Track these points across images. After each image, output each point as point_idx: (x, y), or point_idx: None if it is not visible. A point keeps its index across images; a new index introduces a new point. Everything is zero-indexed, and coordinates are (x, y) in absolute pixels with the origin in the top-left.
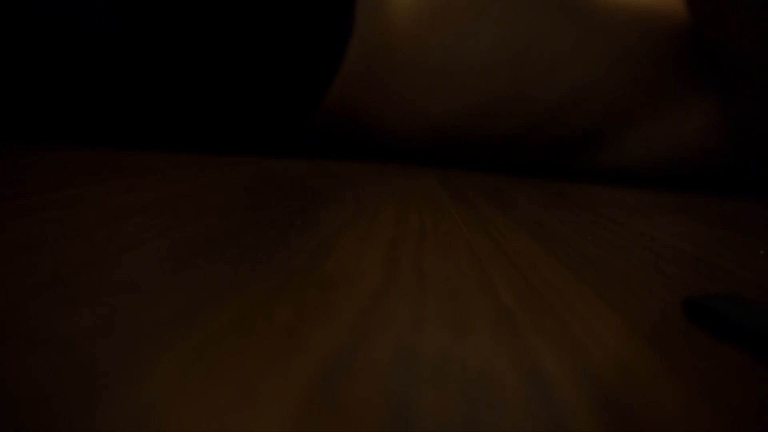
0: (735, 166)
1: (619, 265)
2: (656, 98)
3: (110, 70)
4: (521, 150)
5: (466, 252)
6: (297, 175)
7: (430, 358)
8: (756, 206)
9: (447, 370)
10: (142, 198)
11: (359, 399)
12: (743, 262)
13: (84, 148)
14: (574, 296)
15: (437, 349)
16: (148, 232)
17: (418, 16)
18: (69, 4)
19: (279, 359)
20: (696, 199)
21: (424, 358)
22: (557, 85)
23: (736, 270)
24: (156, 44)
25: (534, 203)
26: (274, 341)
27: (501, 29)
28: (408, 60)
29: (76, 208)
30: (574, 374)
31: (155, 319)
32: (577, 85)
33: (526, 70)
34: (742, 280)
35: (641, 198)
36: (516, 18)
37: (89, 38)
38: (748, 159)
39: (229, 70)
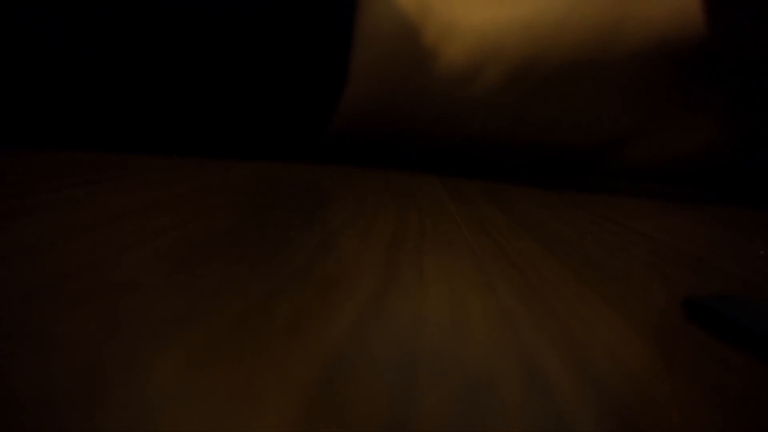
0: (739, 177)
1: (619, 265)
2: (659, 113)
3: (111, 74)
4: (526, 166)
5: (466, 252)
6: (297, 175)
7: (430, 358)
8: (756, 207)
9: (447, 370)
10: (142, 198)
11: (359, 399)
12: (743, 262)
13: (84, 149)
14: (574, 296)
15: (437, 349)
16: (148, 232)
17: (413, 62)
18: (70, 4)
19: (279, 359)
20: (696, 200)
21: (424, 358)
22: (567, 125)
23: (736, 270)
24: (157, 46)
25: (534, 203)
26: (274, 341)
27: (509, 72)
28: (410, 99)
29: (76, 208)
30: (574, 374)
31: (155, 319)
32: (590, 119)
33: (536, 112)
34: (742, 280)
35: (641, 198)
36: (524, 61)
37: (92, 39)
38: (754, 171)
39: (233, 78)
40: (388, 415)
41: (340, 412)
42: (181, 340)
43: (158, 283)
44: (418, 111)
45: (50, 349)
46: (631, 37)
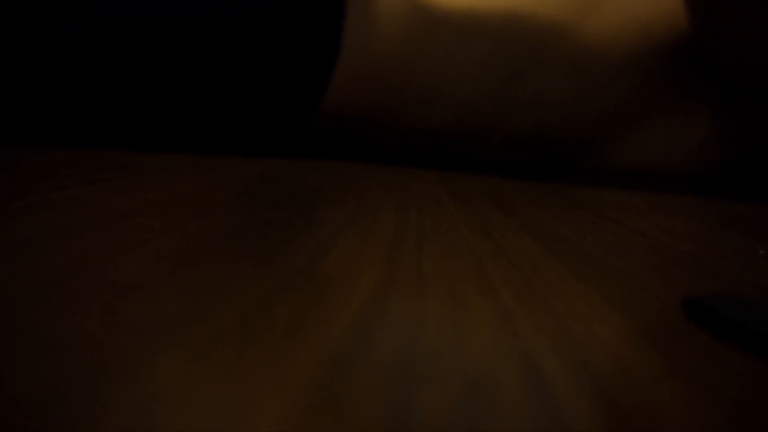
0: (733, 173)
1: (619, 265)
2: (652, 110)
3: (110, 72)
4: (514, 157)
5: (466, 252)
6: (297, 175)
7: (429, 358)
8: (755, 207)
9: (447, 370)
10: (142, 198)
11: (359, 399)
12: (743, 262)
13: (84, 148)
14: (574, 296)
15: (437, 349)
16: (148, 232)
17: (405, 34)
18: (68, 5)
19: (279, 359)
20: (696, 199)
21: (424, 358)
22: (548, 106)
23: (736, 270)
24: (156, 46)
25: (534, 203)
26: (274, 341)
27: (490, 50)
28: (397, 74)
29: (76, 208)
30: (574, 374)
31: (155, 319)
32: (570, 102)
33: (517, 91)
34: (742, 280)
35: (641, 198)
36: (506, 39)
37: (90, 39)
38: (746, 166)
39: (227, 72)
40: (388, 414)
41: (340, 412)
42: (181, 340)
43: (158, 283)
44: (405, 88)
45: (50, 349)
46: (609, 24)
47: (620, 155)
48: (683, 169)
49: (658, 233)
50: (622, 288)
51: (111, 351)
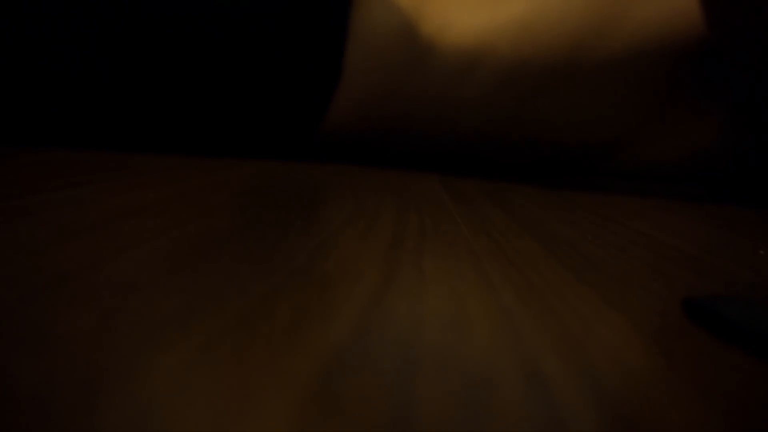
0: (739, 177)
1: (619, 265)
2: (659, 114)
3: (109, 74)
4: (522, 164)
5: (466, 252)
6: (297, 175)
7: (430, 359)
8: (756, 207)
9: (447, 370)
10: (142, 198)
11: (359, 399)
12: (743, 262)
13: (84, 148)
14: (574, 296)
15: (437, 349)
16: (148, 232)
17: (409, 59)
18: (70, 5)
19: (279, 359)
20: (696, 201)
21: (424, 359)
22: (566, 121)
23: (736, 270)
24: (156, 45)
25: (534, 203)
26: (274, 341)
27: (505, 70)
28: (403, 101)
29: (76, 208)
30: (574, 374)
31: (155, 319)
32: (589, 116)
33: (533, 110)
34: (742, 280)
35: (641, 199)
36: (522, 59)
37: (91, 39)
38: (754, 171)
39: (225, 78)
40: (388, 414)
41: (340, 412)
42: (181, 340)
43: (158, 283)
44: (411, 112)
45: (50, 349)
46: (628, 37)
47: (631, 160)
48: (690, 174)
49: (658, 233)
50: (622, 288)
51: (110, 351)
